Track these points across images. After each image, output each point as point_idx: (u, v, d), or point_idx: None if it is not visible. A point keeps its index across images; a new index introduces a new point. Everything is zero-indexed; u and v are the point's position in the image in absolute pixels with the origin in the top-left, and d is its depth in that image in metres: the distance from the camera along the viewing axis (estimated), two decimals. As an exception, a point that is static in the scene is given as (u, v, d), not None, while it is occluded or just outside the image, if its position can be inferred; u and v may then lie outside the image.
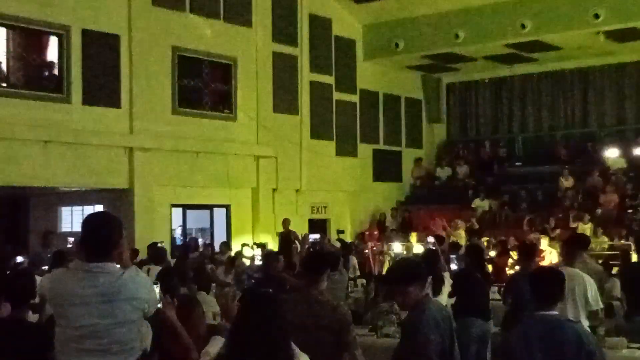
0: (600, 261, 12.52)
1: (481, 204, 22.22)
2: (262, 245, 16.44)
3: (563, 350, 4.78)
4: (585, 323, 6.98)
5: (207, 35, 19.02)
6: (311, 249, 13.40)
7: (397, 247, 14.70)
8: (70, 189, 18.08)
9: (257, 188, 20.25)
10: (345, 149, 22.83)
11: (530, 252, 9.59)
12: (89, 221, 4.38)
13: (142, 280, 4.37)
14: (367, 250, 14.92)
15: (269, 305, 3.80)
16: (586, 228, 18.91)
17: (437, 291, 7.98)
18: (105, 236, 4.27)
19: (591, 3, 19.36)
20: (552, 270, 5.09)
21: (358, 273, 15.41)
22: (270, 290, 4.87)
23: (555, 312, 4.97)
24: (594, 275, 8.22)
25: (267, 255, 10.40)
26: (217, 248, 17.58)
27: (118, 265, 4.30)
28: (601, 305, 7.77)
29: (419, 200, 24.09)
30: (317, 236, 14.64)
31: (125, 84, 17.52)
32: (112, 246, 4.28)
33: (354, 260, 15.74)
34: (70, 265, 4.49)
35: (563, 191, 21.63)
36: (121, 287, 4.21)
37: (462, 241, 17.43)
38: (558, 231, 18.83)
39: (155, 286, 4.53)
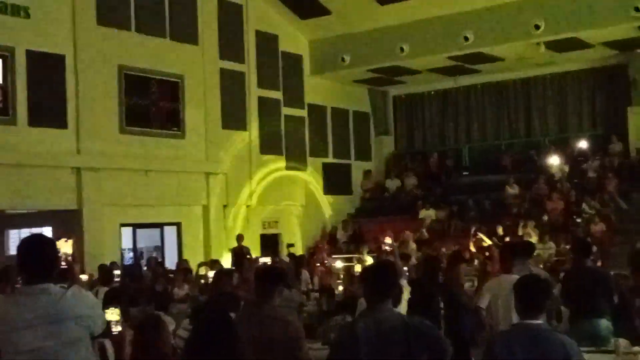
0: (543, 264, 12.72)
1: (428, 214, 22.46)
2: (215, 262, 16.39)
3: None
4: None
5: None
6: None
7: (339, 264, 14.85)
8: (18, 212, 17.83)
9: (208, 205, 20.20)
10: (295, 163, 22.90)
11: (454, 260, 9.71)
12: (23, 246, 4.38)
13: (85, 298, 4.36)
14: (318, 264, 15.01)
15: (221, 325, 3.82)
16: (533, 235, 19.25)
17: (397, 301, 7.97)
18: (42, 257, 4.28)
19: (531, 14, 19.79)
20: (536, 279, 5.04)
21: (311, 287, 15.47)
22: (223, 308, 4.90)
23: (540, 322, 4.79)
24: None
25: (219, 272, 10.38)
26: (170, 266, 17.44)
27: (58, 285, 4.30)
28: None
29: (369, 212, 24.28)
30: (267, 259, 14.65)
31: (72, 104, 17.38)
32: (50, 266, 4.30)
33: (305, 274, 15.80)
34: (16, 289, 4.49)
35: (510, 199, 21.99)
36: (64, 306, 4.19)
37: (413, 252, 17.59)
38: (507, 239, 19.10)
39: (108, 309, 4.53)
